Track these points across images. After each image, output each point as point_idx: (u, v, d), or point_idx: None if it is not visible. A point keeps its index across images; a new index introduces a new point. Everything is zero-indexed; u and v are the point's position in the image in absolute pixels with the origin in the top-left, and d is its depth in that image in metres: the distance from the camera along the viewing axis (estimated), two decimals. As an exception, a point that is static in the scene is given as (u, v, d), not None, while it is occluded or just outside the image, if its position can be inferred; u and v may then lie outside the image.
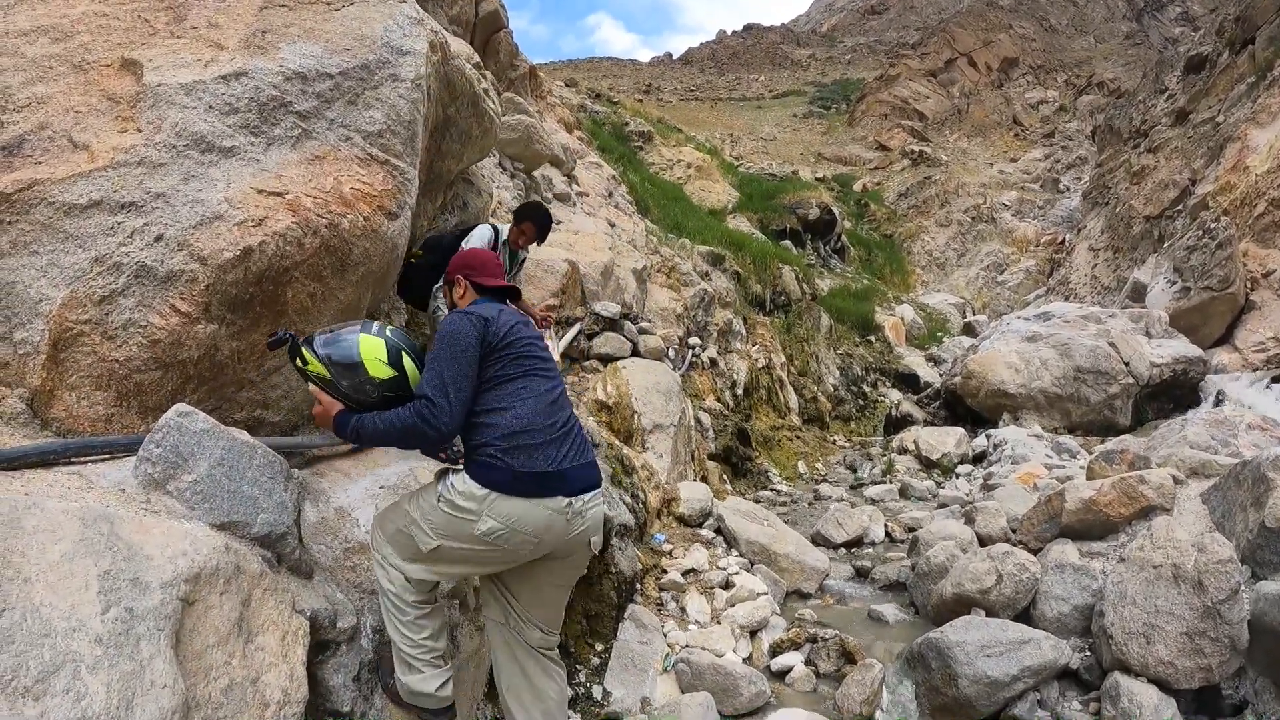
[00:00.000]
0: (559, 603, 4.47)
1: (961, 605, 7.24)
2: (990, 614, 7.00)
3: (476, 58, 8.83)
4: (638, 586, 7.62)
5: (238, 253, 4.67)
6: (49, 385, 4.44)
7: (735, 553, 8.79)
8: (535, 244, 7.87)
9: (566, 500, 3.96)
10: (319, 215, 5.01)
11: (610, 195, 19.64)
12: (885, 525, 11.03)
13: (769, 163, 56.51)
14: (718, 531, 9.28)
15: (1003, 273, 41.75)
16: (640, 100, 64.81)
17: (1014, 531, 8.80)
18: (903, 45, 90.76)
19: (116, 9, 5.51)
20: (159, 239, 4.57)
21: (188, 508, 3.77)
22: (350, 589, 4.49)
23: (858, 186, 53.04)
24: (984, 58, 73.98)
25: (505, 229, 7.47)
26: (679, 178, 33.27)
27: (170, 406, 3.99)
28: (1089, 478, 8.91)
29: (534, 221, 7.50)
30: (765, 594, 7.85)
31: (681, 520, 9.34)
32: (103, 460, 4.07)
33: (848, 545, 10.45)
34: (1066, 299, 29.59)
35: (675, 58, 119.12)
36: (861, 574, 9.42)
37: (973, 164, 55.32)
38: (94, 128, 4.87)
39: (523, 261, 8.10)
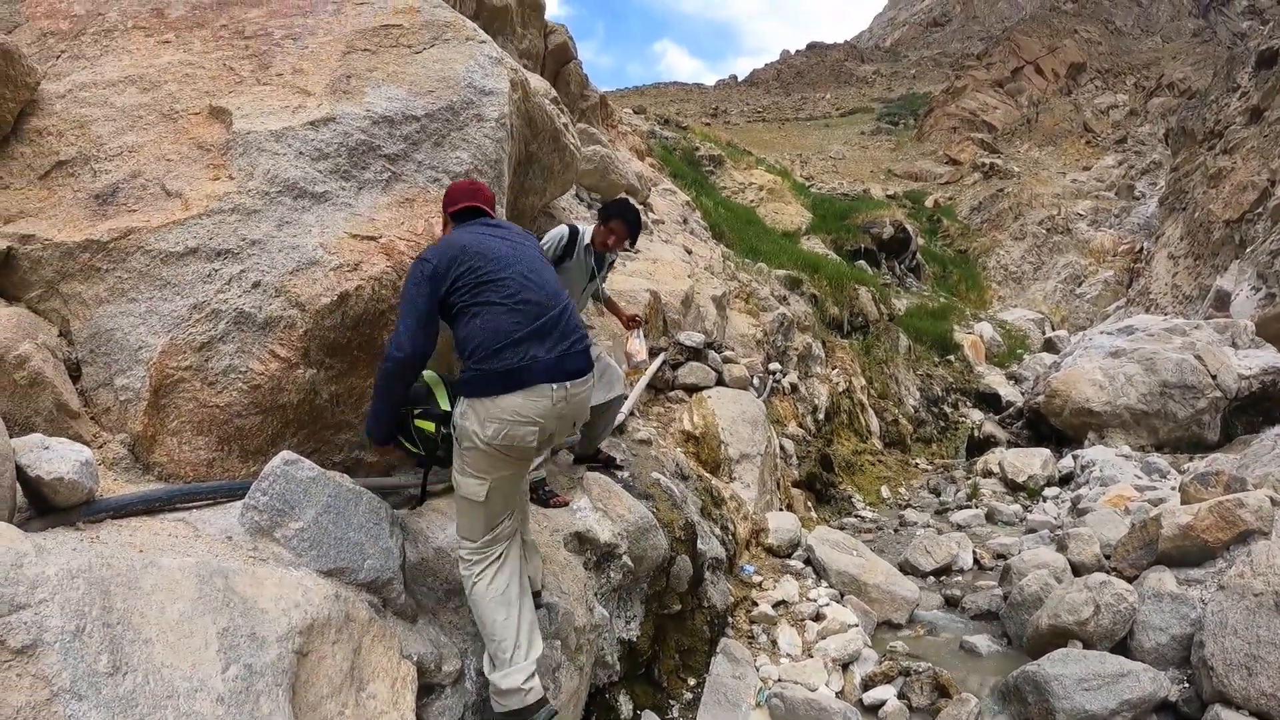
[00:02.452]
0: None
1: (1058, 637, 7.13)
2: (1087, 645, 6.89)
3: (554, 93, 8.85)
4: (729, 620, 7.60)
5: (334, 298, 4.75)
6: (150, 431, 4.52)
7: (825, 583, 8.74)
8: (628, 245, 6.91)
9: (552, 385, 4.28)
10: (412, 258, 5.03)
11: (685, 221, 19.52)
12: (974, 552, 10.87)
13: (839, 182, 56.28)
14: (807, 562, 9.25)
15: (1080, 285, 41.34)
16: (708, 124, 64.71)
17: (1107, 559, 8.66)
18: (968, 56, 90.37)
19: (201, 58, 5.64)
20: (256, 285, 4.67)
21: (295, 555, 3.82)
22: (453, 631, 4.53)
23: (929, 202, 52.61)
24: (1050, 64, 73.33)
25: (587, 230, 6.86)
26: (751, 201, 33.04)
27: (271, 450, 4.11)
28: (1184, 501, 8.71)
29: (623, 219, 6.68)
30: (856, 626, 7.79)
31: (770, 551, 9.32)
32: (207, 506, 4.12)
33: (936, 573, 10.30)
34: (1147, 310, 29.19)
35: (740, 80, 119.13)
36: (951, 603, 9.31)
37: (1045, 174, 54.77)
38: (185, 175, 5.00)
39: (611, 264, 7.43)
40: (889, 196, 49.82)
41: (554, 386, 4.28)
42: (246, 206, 4.86)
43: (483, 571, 4.34)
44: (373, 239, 5.05)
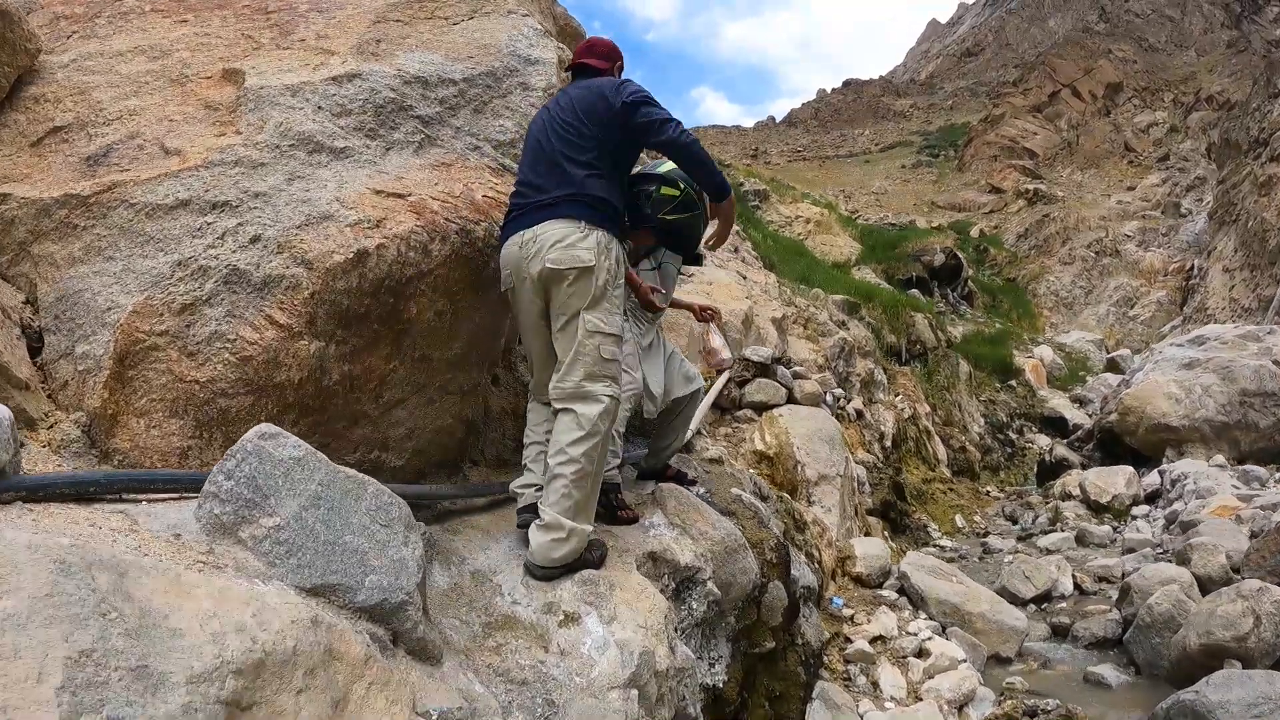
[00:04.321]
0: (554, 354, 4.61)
1: (1210, 657, 6.31)
2: (1246, 664, 6.09)
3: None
4: (823, 659, 6.78)
5: (350, 256, 4.03)
6: (111, 409, 3.77)
7: (924, 615, 7.90)
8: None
9: (520, 232, 4.40)
10: (448, 219, 4.38)
11: (736, 251, 18.91)
12: (1073, 576, 9.98)
13: (884, 214, 55.84)
14: (901, 591, 8.40)
15: (1133, 307, 40.35)
16: (749, 164, 64.41)
17: (1235, 571, 7.84)
18: (1003, 84, 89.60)
19: (220, 29, 5.18)
20: (255, 240, 3.97)
21: (266, 563, 2.91)
22: (493, 677, 3.56)
23: (975, 232, 51.67)
24: (1087, 86, 72.40)
25: None
26: (799, 234, 32.42)
27: None
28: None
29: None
30: (965, 661, 6.98)
31: (859, 581, 8.47)
32: (165, 499, 3.28)
33: (1036, 600, 9.44)
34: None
35: (779, 121, 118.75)
36: (1060, 632, 8.49)
37: (1090, 197, 53.75)
38: (188, 134, 4.39)
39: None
40: (934, 228, 49.16)
41: (522, 231, 4.40)
42: (252, 159, 4.20)
43: None
44: (401, 196, 4.36)
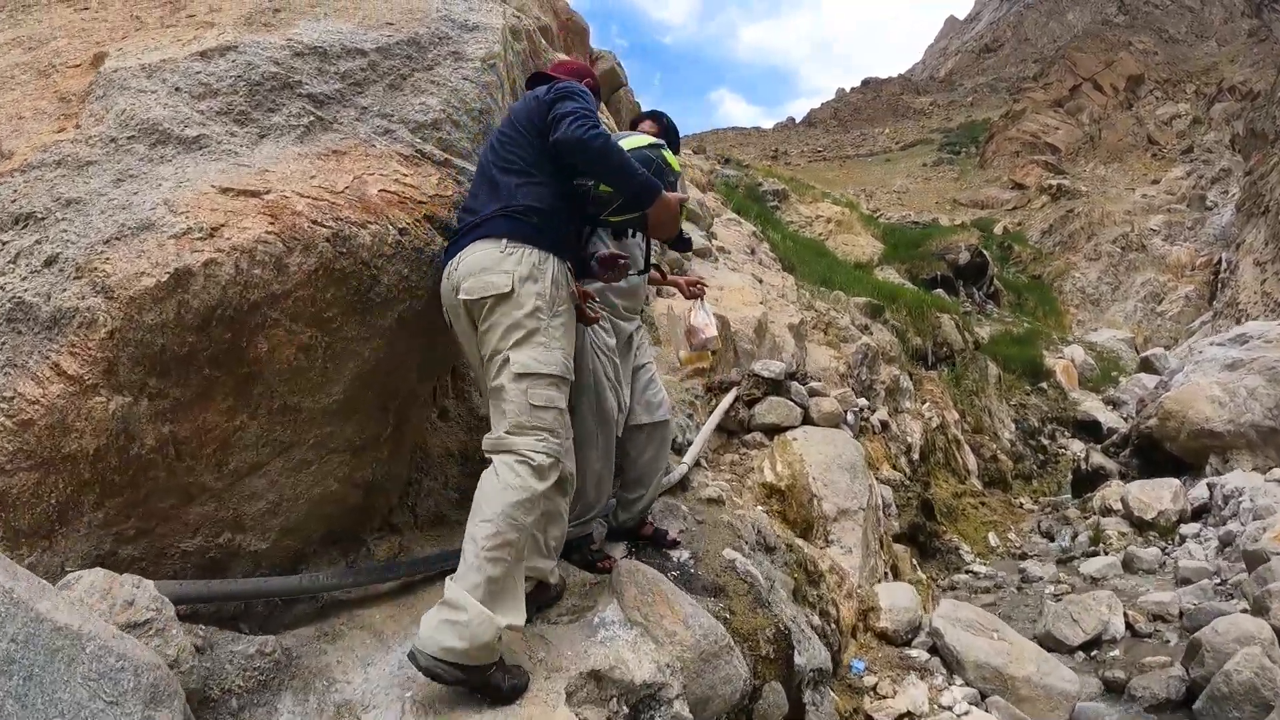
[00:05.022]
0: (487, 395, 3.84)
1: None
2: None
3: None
4: (839, 744, 5.66)
5: (164, 279, 3.03)
6: None
7: (959, 680, 6.75)
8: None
9: (449, 262, 3.80)
10: (317, 222, 3.36)
11: (753, 252, 18.04)
12: (1125, 614, 8.88)
13: (906, 213, 55.63)
14: (933, 650, 7.24)
15: (1161, 302, 40.12)
16: (769, 165, 63.87)
17: (1324, 623, 6.77)
18: (1023, 79, 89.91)
19: (109, 13, 4.37)
20: (51, 262, 3.01)
21: None
22: None
23: (998, 229, 51.37)
24: (1108, 79, 72.41)
25: None
26: (819, 234, 31.72)
27: (60, 529, 2.63)
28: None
29: (654, 119, 5.33)
30: (1008, 740, 5.87)
31: (884, 638, 7.29)
32: None
33: (1085, 647, 8.38)
34: (1238, 321, 27.19)
35: (798, 121, 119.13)
36: (1113, 688, 7.44)
37: (1114, 191, 53.50)
38: (30, 132, 3.48)
39: None
40: (957, 226, 48.52)
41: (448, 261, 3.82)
42: (79, 157, 3.26)
43: None
44: (255, 194, 3.34)
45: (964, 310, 28.53)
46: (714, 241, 15.90)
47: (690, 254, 12.63)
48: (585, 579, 4.41)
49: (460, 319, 3.72)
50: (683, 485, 6.20)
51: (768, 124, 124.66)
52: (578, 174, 3.93)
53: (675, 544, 5.14)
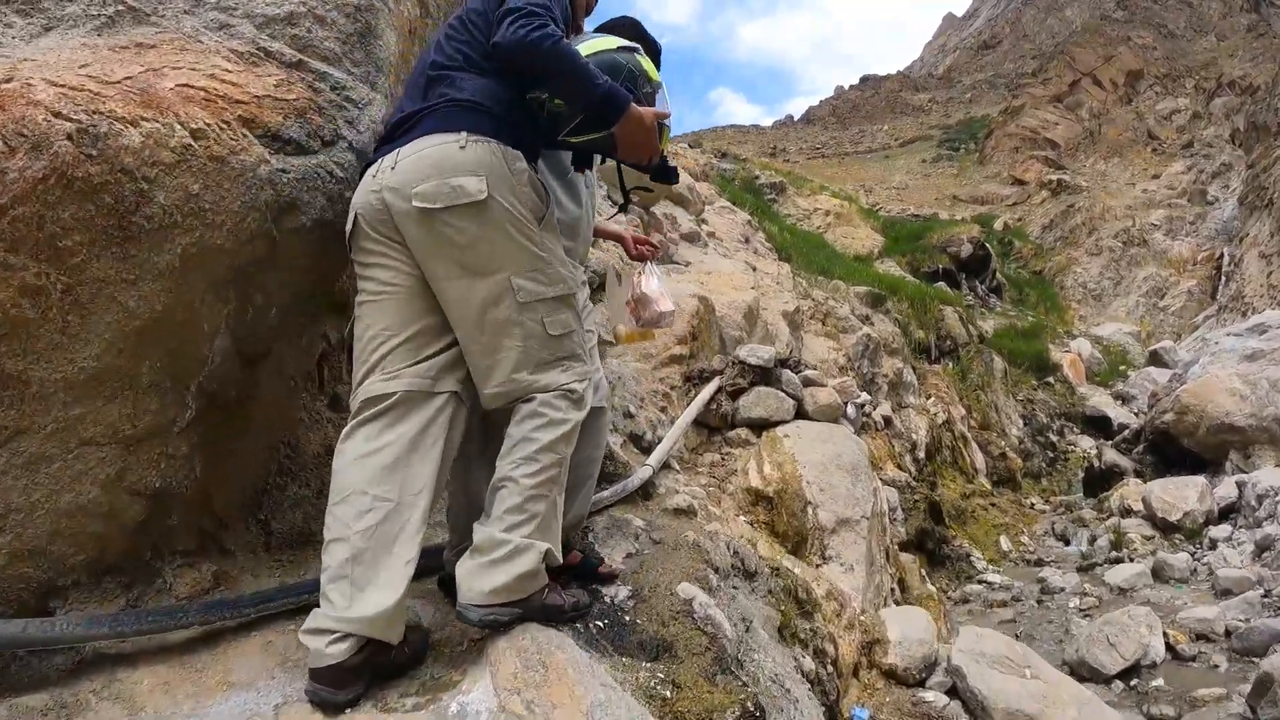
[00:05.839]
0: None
1: None
2: None
3: None
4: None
5: None
6: None
7: (986, 731, 5.57)
8: None
9: (375, 163, 3.07)
10: (58, 115, 2.34)
11: (747, 241, 17.35)
12: (1164, 633, 7.87)
13: (905, 209, 55.73)
14: (951, 693, 5.84)
15: (1163, 297, 40.21)
16: (767, 161, 63.75)
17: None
18: (1022, 75, 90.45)
19: None
20: None
21: None
22: None
23: (999, 225, 51.47)
24: (1108, 74, 72.77)
25: None
26: (818, 226, 31.41)
27: None
28: None
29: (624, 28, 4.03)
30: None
31: (893, 676, 5.88)
32: None
33: (1123, 675, 7.38)
34: (1244, 314, 26.97)
35: (797, 119, 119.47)
36: (1162, 727, 6.45)
37: (1114, 186, 53.51)
38: None
39: None
40: (959, 220, 48.39)
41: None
42: None
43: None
44: None
45: (967, 304, 28.07)
46: (704, 227, 15.05)
47: (678, 238, 11.68)
48: (457, 633, 3.20)
49: (412, 232, 2.99)
50: (645, 493, 5.07)
51: (767, 122, 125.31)
52: (536, 84, 3.16)
53: (612, 577, 3.82)
